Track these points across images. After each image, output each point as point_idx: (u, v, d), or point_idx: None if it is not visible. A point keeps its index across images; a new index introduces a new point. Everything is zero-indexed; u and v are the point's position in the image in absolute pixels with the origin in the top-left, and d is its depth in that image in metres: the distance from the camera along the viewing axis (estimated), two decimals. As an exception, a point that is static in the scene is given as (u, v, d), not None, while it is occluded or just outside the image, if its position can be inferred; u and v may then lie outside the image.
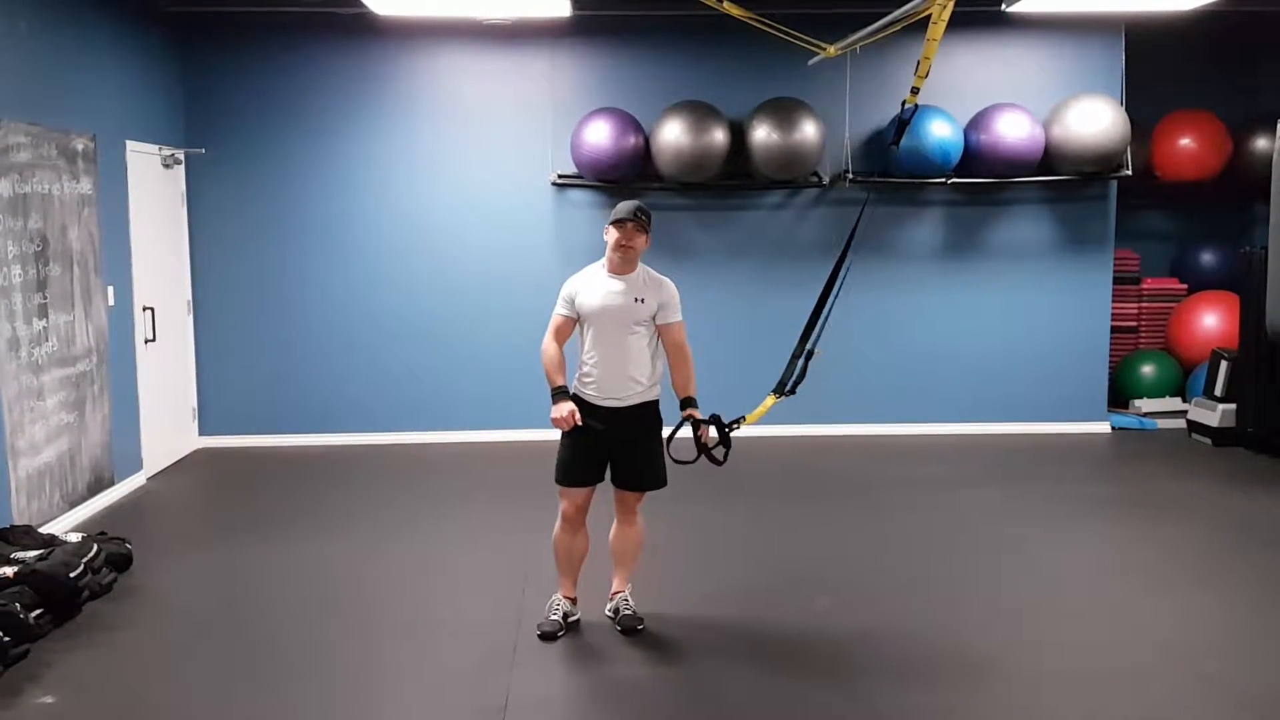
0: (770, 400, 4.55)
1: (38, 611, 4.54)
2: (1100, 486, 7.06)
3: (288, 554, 5.71)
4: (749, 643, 4.52)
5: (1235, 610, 4.86)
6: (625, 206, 4.39)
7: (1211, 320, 8.75)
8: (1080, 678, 4.15)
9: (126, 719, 3.93)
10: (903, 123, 4.23)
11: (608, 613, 4.67)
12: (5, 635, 4.23)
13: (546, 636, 4.50)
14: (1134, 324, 9.08)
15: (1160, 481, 7.11)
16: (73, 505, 6.22)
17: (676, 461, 4.34)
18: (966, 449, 7.98)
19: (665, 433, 4.41)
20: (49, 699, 4.02)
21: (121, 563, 5.36)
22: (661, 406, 4.50)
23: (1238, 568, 5.42)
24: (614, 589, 4.70)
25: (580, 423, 4.31)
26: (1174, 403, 8.78)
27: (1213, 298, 8.86)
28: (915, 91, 4.21)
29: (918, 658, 4.34)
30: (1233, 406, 7.88)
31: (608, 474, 4.51)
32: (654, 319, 4.40)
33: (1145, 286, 9.09)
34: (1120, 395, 8.93)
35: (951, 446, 8.06)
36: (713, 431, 4.36)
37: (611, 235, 4.36)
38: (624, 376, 4.38)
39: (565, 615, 4.59)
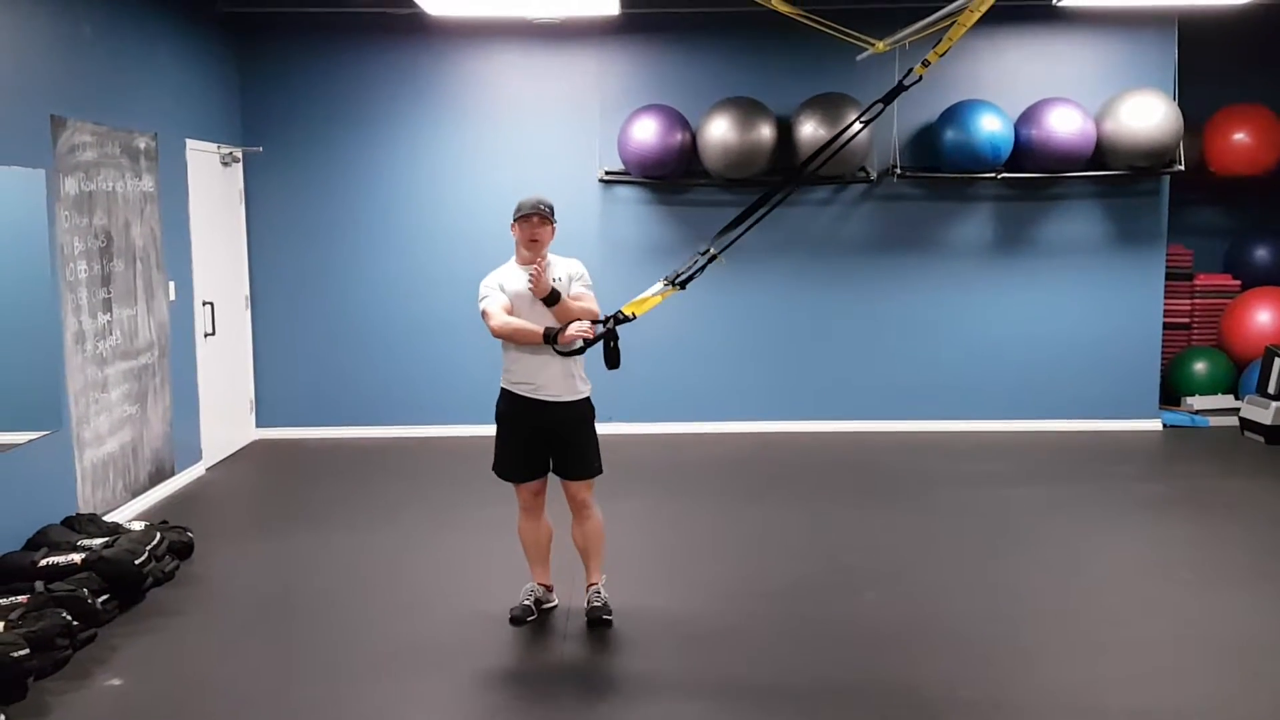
0: (659, 288, 4.42)
1: (104, 597, 4.70)
2: (1150, 484, 7.01)
3: (342, 543, 5.85)
4: (792, 636, 4.57)
5: (1286, 609, 4.83)
6: (528, 202, 4.52)
7: (1265, 317, 8.63)
8: (1128, 676, 4.16)
9: (190, 700, 4.06)
10: (901, 86, 4.19)
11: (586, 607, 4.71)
12: (74, 619, 4.37)
13: (516, 621, 4.62)
14: (1186, 320, 8.98)
15: (1211, 480, 7.05)
16: (135, 494, 6.40)
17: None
18: (1016, 446, 7.95)
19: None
20: (116, 681, 4.17)
21: (183, 550, 5.52)
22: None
23: (1289, 566, 5.38)
24: (589, 581, 4.76)
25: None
26: (1226, 400, 8.68)
27: (1266, 294, 8.73)
28: (925, 64, 4.19)
29: (964, 652, 4.37)
30: (1287, 404, 7.79)
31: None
32: (569, 292, 4.51)
33: (1198, 282, 8.98)
34: (1172, 392, 8.85)
35: (1001, 444, 8.03)
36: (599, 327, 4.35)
37: (519, 231, 4.52)
38: (554, 360, 4.43)
39: (538, 601, 4.71)
